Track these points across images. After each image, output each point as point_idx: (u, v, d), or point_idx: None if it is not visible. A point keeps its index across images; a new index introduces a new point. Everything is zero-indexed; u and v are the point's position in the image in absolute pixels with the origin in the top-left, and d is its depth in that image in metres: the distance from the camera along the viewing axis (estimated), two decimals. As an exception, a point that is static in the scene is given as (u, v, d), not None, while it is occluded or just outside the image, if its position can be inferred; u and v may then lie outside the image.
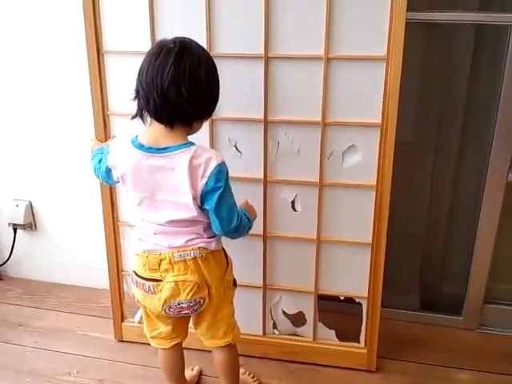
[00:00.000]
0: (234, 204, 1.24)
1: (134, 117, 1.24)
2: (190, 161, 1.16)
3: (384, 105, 1.39)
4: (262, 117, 1.47)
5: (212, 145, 1.52)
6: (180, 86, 1.12)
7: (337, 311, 1.69)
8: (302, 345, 1.68)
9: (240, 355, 1.46)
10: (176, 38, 1.19)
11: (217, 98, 1.23)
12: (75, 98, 1.83)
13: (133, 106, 1.52)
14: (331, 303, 1.67)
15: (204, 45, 1.42)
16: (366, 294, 1.58)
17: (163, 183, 1.20)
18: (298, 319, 1.67)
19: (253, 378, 1.58)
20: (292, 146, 1.49)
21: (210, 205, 1.19)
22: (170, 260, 1.23)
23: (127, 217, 1.68)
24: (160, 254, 1.24)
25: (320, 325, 1.67)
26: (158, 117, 1.18)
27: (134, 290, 1.32)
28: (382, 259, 1.52)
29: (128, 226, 1.68)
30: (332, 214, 1.52)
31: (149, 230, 1.27)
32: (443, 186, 1.80)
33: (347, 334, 1.66)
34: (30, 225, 2.10)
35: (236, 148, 1.52)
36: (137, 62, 1.48)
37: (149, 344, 1.74)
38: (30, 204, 2.08)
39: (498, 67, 1.57)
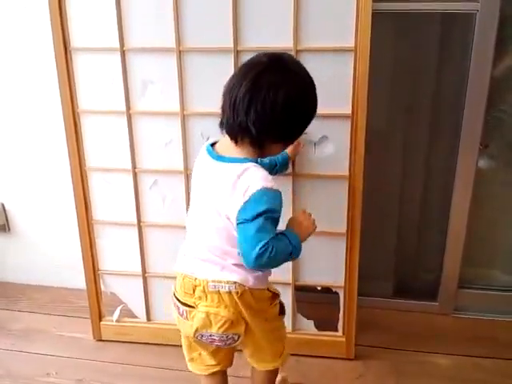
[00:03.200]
0: (265, 232, 1.04)
1: (220, 124, 1.14)
2: (237, 176, 1.07)
3: (354, 96, 1.40)
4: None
5: (185, 140, 1.52)
6: (250, 107, 1.04)
7: (314, 301, 1.70)
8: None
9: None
10: (274, 52, 1.11)
11: (296, 126, 1.12)
12: (45, 97, 1.80)
13: (103, 103, 1.53)
14: (308, 294, 1.68)
15: (172, 39, 1.42)
16: (342, 284, 1.60)
17: (211, 191, 1.13)
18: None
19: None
20: (264, 139, 1.49)
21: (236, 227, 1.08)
22: (204, 288, 1.13)
23: (101, 215, 1.66)
24: (195, 280, 1.14)
25: (298, 315, 1.68)
26: (227, 131, 1.11)
27: (172, 309, 1.24)
28: (357, 248, 1.54)
29: (102, 225, 1.67)
30: (306, 205, 1.52)
31: (192, 247, 1.20)
32: (415, 174, 1.82)
33: (325, 323, 1.68)
34: (4, 227, 2.07)
35: (209, 143, 1.51)
36: (105, 59, 1.49)
37: (128, 342, 1.76)
38: (3, 206, 2.05)
39: (465, 55, 1.60)
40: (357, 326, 1.63)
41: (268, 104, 1.03)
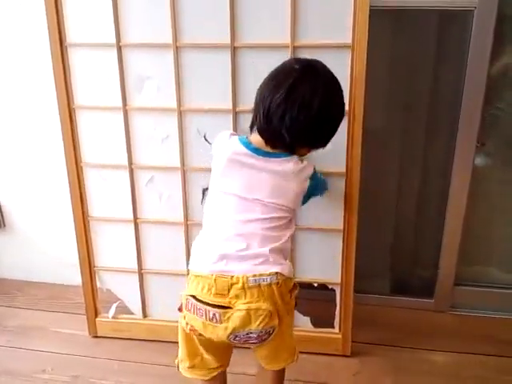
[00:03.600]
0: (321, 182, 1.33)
1: (250, 126, 1.20)
2: (294, 165, 1.15)
3: (351, 92, 1.40)
4: (230, 107, 1.46)
5: (181, 136, 1.52)
6: (284, 114, 1.08)
7: (311, 298, 1.70)
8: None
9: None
10: (305, 59, 1.17)
11: (328, 132, 1.18)
12: (41, 93, 1.79)
13: (100, 99, 1.52)
14: (305, 291, 1.67)
15: (169, 34, 1.42)
16: (339, 280, 1.60)
17: (261, 183, 1.15)
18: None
19: None
20: (261, 135, 1.49)
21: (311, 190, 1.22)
22: (244, 285, 1.09)
23: (97, 212, 1.66)
24: (232, 278, 1.09)
25: (295, 312, 1.67)
26: (260, 134, 1.15)
27: (188, 316, 1.14)
28: (354, 245, 1.54)
29: (98, 221, 1.66)
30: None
31: (223, 242, 1.15)
32: (412, 172, 1.82)
33: (322, 320, 1.68)
34: (-1, 223, 2.07)
35: (205, 139, 1.51)
36: (101, 55, 1.48)
37: (123, 338, 1.75)
38: (-2, 202, 2.05)
39: (463, 53, 1.59)
40: (353, 323, 1.63)
41: (302, 112, 1.07)
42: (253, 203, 1.14)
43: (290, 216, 1.18)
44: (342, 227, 1.54)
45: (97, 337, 1.79)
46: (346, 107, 1.40)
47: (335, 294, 1.62)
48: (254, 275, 1.10)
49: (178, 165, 1.55)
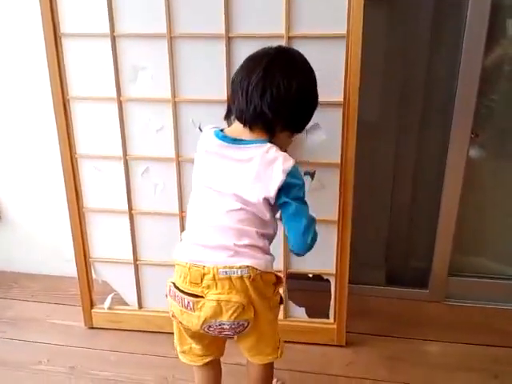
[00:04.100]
0: (305, 208, 1.18)
1: (225, 116, 1.22)
2: (264, 154, 1.11)
3: (346, 83, 1.40)
4: (225, 97, 1.46)
5: (176, 127, 1.51)
6: (265, 91, 1.09)
7: (306, 289, 1.71)
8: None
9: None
10: (280, 45, 1.19)
11: (305, 115, 1.19)
12: (35, 84, 1.78)
13: (94, 90, 1.52)
14: (300, 281, 1.69)
15: (163, 24, 1.41)
16: (333, 271, 1.60)
17: (230, 174, 1.14)
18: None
19: None
20: (256, 126, 1.49)
21: (286, 198, 1.13)
22: (214, 276, 1.10)
23: (92, 203, 1.66)
24: (203, 268, 1.10)
25: (290, 303, 1.69)
26: (239, 117, 1.15)
27: (170, 302, 1.18)
28: (349, 236, 1.54)
29: (93, 213, 1.66)
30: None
31: (198, 233, 1.17)
32: (406, 163, 1.83)
33: (317, 310, 1.69)
34: (-6, 215, 2.06)
35: (200, 130, 1.51)
36: (95, 45, 1.48)
37: (119, 329, 1.76)
38: (-7, 194, 2.04)
39: (457, 43, 1.60)
40: (348, 314, 1.64)
41: (282, 89, 1.09)
42: (228, 196, 1.13)
43: (266, 212, 1.14)
44: (336, 218, 1.54)
45: (92, 328, 1.79)
46: (341, 97, 1.42)
47: (330, 285, 1.63)
48: (225, 267, 1.10)
49: (173, 155, 1.55)
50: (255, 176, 1.11)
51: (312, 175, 1.50)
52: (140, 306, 1.76)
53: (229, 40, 1.41)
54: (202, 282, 1.11)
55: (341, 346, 1.69)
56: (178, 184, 1.57)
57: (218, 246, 1.12)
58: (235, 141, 1.14)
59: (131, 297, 1.76)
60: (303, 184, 1.15)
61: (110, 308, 1.77)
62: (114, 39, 1.46)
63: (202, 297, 1.11)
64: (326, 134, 1.46)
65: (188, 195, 1.57)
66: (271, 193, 1.11)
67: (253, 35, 1.40)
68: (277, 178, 1.10)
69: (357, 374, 1.58)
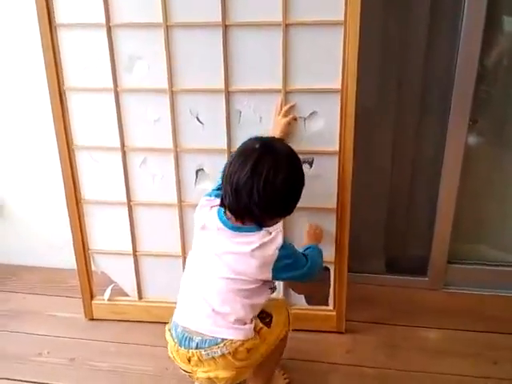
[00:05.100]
0: (301, 258, 1.28)
1: (220, 205, 1.25)
2: (262, 238, 1.19)
3: (343, 70, 1.39)
4: (222, 87, 1.45)
5: (173, 117, 1.51)
6: (252, 189, 1.14)
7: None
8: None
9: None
10: (261, 138, 1.23)
11: (290, 204, 1.25)
12: (31, 75, 1.76)
13: (90, 80, 1.51)
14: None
15: (159, 13, 1.40)
16: (333, 259, 1.60)
17: (229, 256, 1.22)
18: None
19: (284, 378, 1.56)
20: (254, 115, 1.48)
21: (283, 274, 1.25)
22: (199, 357, 1.20)
23: (90, 194, 1.65)
24: (188, 351, 1.21)
25: (290, 291, 1.69)
26: (230, 212, 1.21)
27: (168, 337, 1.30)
28: (347, 224, 1.55)
29: (92, 204, 1.66)
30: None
31: (187, 296, 1.28)
32: (405, 150, 1.82)
33: (316, 298, 1.69)
34: (-8, 208, 2.06)
35: (198, 119, 1.50)
36: (91, 35, 1.46)
37: (119, 320, 1.76)
38: (-9, 187, 2.04)
39: (455, 30, 1.59)
40: (347, 302, 1.64)
41: (268, 186, 1.15)
42: (222, 265, 1.22)
43: (257, 285, 1.22)
44: (335, 206, 1.54)
45: (93, 319, 1.79)
46: (339, 85, 1.41)
47: (329, 273, 1.63)
48: (205, 349, 1.19)
49: (171, 146, 1.54)
50: (247, 261, 1.20)
51: (310, 163, 1.50)
52: (140, 296, 1.76)
53: (226, 28, 1.40)
54: (189, 362, 1.22)
55: (340, 333, 1.69)
56: (176, 174, 1.57)
57: (203, 313, 1.22)
58: (233, 227, 1.21)
59: (131, 288, 1.75)
60: (293, 253, 1.26)
61: (109, 299, 1.77)
62: (109, 29, 1.45)
63: (191, 373, 1.24)
64: (325, 122, 1.46)
65: (186, 185, 1.58)
66: (268, 274, 1.22)
67: (250, 23, 1.39)
68: (270, 258, 1.20)
69: (356, 361, 1.59)
